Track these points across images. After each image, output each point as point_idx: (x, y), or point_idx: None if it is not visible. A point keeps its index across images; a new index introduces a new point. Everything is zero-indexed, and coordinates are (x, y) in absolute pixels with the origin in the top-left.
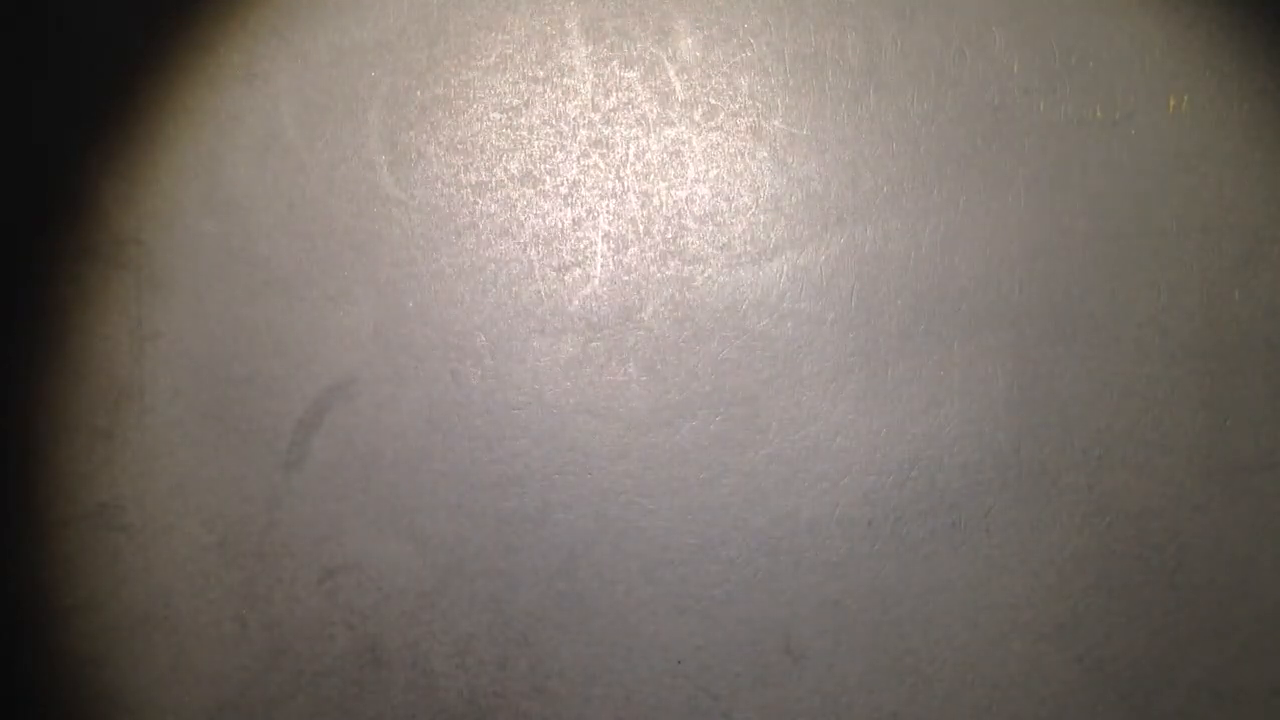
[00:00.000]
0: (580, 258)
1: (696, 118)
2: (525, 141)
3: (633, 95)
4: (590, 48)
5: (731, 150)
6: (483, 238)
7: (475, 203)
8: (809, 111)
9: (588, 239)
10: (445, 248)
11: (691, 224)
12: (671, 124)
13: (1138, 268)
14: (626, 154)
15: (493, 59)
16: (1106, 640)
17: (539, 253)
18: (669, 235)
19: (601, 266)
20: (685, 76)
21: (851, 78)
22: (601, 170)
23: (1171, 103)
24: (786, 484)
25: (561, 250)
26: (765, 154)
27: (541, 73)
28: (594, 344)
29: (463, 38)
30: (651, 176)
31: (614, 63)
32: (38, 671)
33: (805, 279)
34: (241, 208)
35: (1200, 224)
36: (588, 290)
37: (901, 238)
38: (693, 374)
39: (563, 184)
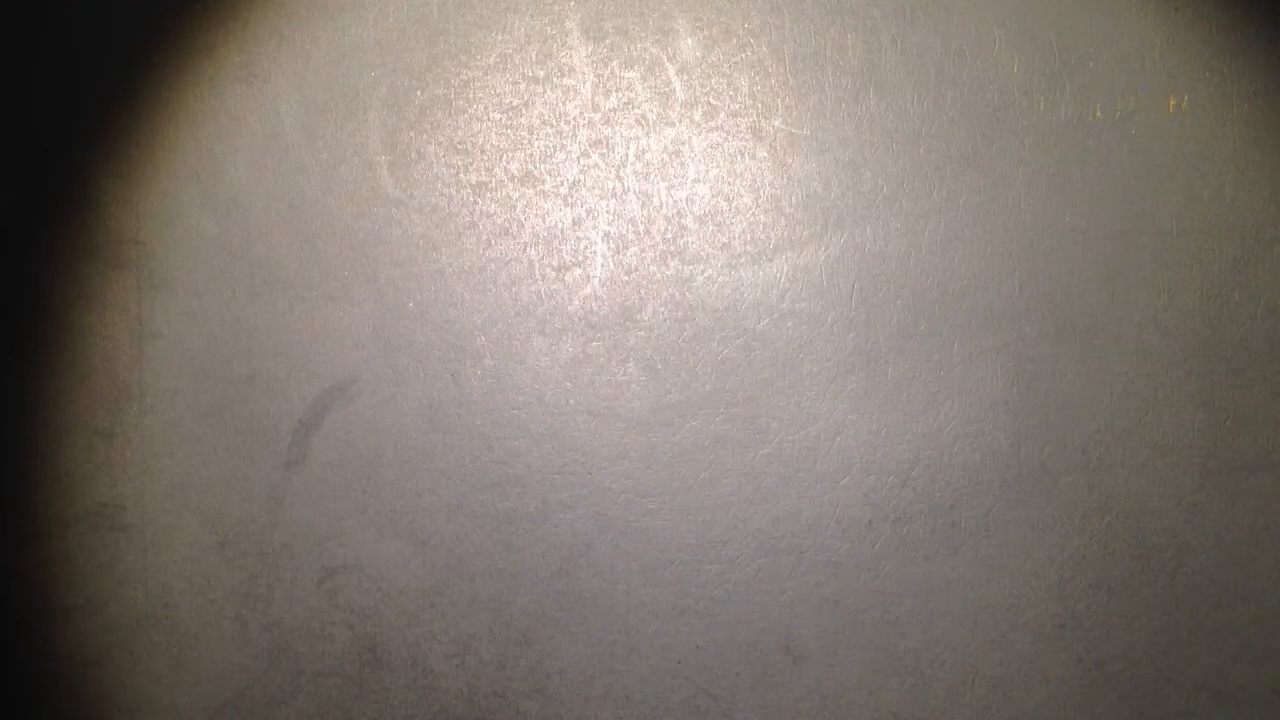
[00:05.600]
0: (580, 258)
1: (696, 118)
2: (525, 141)
3: (633, 95)
4: (590, 48)
5: (731, 150)
6: (483, 238)
7: (475, 203)
8: (809, 111)
9: (588, 239)
10: (445, 248)
11: (691, 224)
12: (671, 124)
13: (1138, 268)
14: (626, 154)
15: (493, 59)
16: (1106, 640)
17: (539, 253)
18: (669, 235)
19: (601, 266)
20: (685, 76)
21: (851, 78)
22: (601, 170)
23: (1171, 103)
24: (786, 484)
25: (561, 250)
26: (765, 154)
27: (541, 73)
28: (594, 344)
29: (463, 38)
30: (651, 176)
31: (614, 63)
32: (38, 671)
33: (805, 279)
34: (241, 208)
35: (1200, 224)
36: (588, 290)
37: (901, 238)
38: (693, 374)
39: (563, 184)
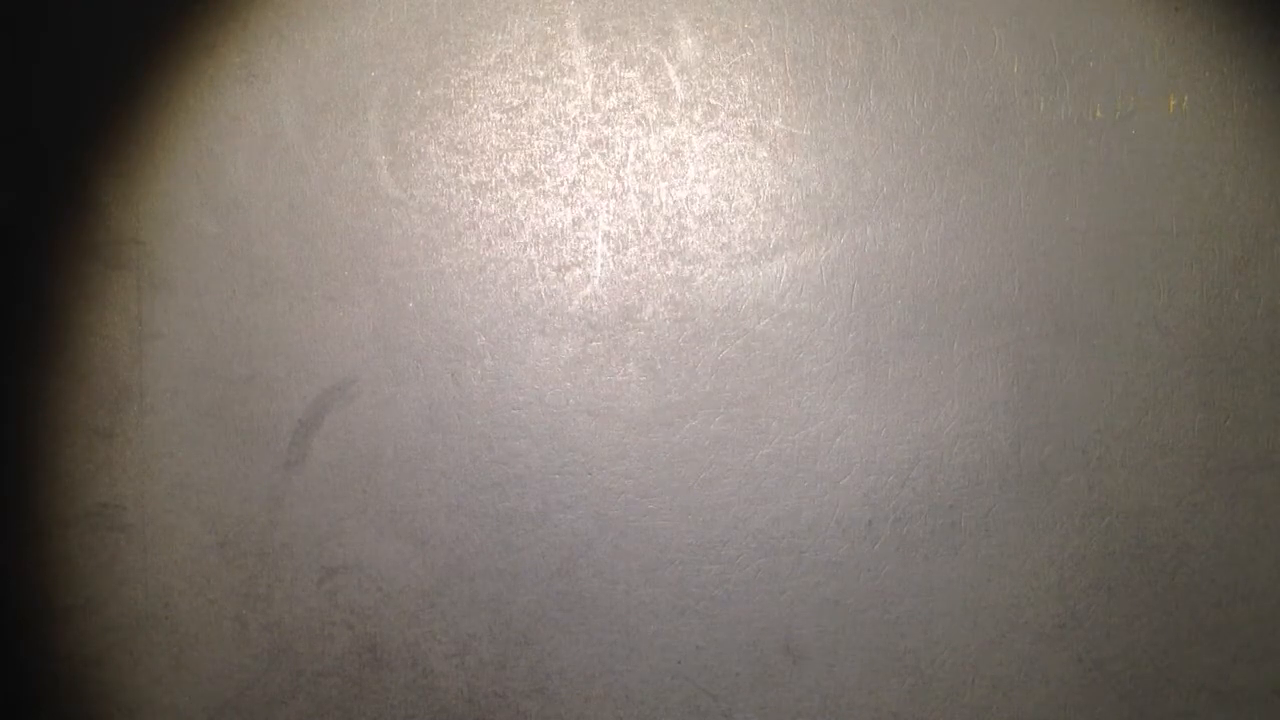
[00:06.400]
0: (580, 258)
1: (696, 118)
2: (525, 141)
3: (633, 95)
4: (590, 48)
5: (731, 150)
6: (483, 238)
7: (475, 203)
8: (809, 111)
9: (588, 239)
10: (445, 248)
11: (691, 224)
12: (671, 124)
13: (1138, 268)
14: (626, 154)
15: (493, 59)
16: (1106, 640)
17: (539, 253)
18: (669, 235)
19: (601, 266)
20: (685, 76)
21: (851, 78)
22: (601, 170)
23: (1171, 103)
24: (786, 484)
25: (561, 250)
26: (765, 154)
27: (541, 73)
28: (594, 344)
29: (463, 38)
30: (651, 176)
31: (614, 63)
32: (38, 671)
33: (805, 279)
34: (241, 208)
35: (1200, 224)
36: (588, 290)
37: (901, 238)
38: (693, 374)
39: (563, 184)
